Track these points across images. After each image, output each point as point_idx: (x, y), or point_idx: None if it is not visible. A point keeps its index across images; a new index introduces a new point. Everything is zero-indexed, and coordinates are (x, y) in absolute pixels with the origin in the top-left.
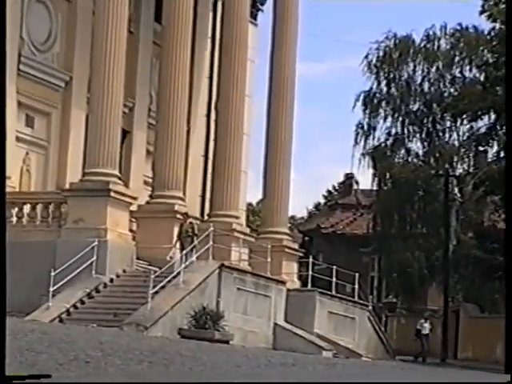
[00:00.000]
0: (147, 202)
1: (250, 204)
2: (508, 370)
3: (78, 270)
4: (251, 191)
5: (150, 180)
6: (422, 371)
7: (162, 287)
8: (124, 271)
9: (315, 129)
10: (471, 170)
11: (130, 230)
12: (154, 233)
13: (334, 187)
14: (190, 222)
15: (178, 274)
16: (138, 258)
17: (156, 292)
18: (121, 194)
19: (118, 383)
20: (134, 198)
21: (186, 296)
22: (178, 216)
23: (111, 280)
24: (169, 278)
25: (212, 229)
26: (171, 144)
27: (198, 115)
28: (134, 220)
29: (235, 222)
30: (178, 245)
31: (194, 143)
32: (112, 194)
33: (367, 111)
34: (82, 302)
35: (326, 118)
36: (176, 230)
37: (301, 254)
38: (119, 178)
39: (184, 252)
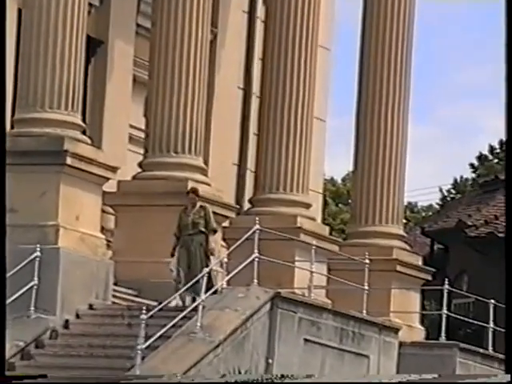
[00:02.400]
0: (134, 177)
1: (329, 181)
2: (508, 370)
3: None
4: (332, 160)
5: (141, 135)
6: None
7: (163, 338)
8: (91, 307)
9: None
10: None
11: (103, 230)
12: (146, 234)
13: (491, 150)
14: (201, 206)
15: (193, 312)
16: (116, 283)
17: (150, 346)
18: (86, 160)
19: (114, 382)
20: (112, 170)
21: (208, 354)
22: (192, 200)
23: (65, 324)
24: (175, 321)
25: (258, 227)
26: (180, 63)
27: (231, 8)
28: (109, 210)
29: (302, 215)
30: (176, 254)
31: (224, 63)
32: (69, 160)
33: None
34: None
35: None
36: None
37: (427, 277)
38: (83, 132)
39: (204, 269)
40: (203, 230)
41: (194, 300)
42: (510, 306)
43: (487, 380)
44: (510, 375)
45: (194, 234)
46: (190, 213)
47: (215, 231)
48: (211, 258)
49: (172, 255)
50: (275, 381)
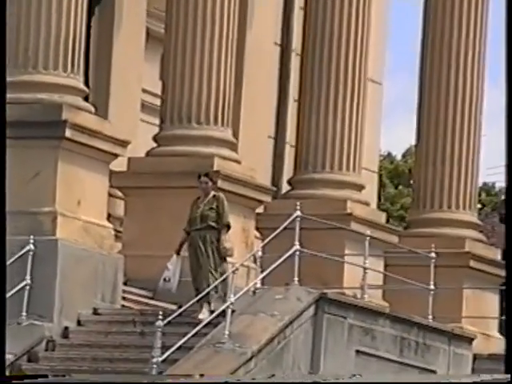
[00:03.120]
0: (148, 153)
1: (387, 158)
2: (508, 369)
3: None
4: (390, 132)
5: (156, 103)
6: None
7: (183, 349)
8: (96, 311)
9: None
10: None
11: (110, 217)
12: (163, 223)
13: None
14: (214, 195)
15: (220, 318)
16: (126, 283)
17: (167, 360)
18: (89, 132)
19: (118, 383)
20: (121, 144)
21: (238, 369)
22: (205, 187)
23: (65, 333)
24: (198, 329)
25: (298, 213)
26: (204, 14)
27: None
28: (118, 194)
29: (353, 199)
30: (184, 249)
31: (257, 13)
32: (68, 132)
33: None
34: None
35: None
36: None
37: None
38: (85, 98)
39: (230, 267)
40: (213, 224)
41: (212, 312)
42: (510, 305)
43: (487, 380)
44: (510, 375)
45: (203, 229)
46: (200, 203)
47: (229, 227)
48: (227, 260)
49: (177, 253)
50: None
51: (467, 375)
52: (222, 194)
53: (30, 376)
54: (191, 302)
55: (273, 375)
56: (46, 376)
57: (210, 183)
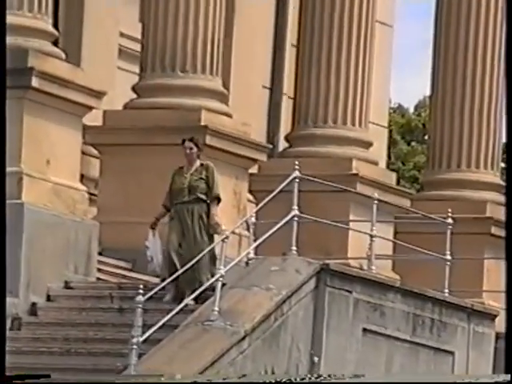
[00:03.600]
0: (127, 106)
1: (397, 111)
2: (508, 369)
3: None
4: (401, 82)
5: (135, 48)
6: None
7: (167, 327)
8: (67, 285)
9: None
10: None
11: (83, 179)
12: (144, 185)
13: None
14: (202, 164)
15: (206, 292)
16: (101, 253)
17: (149, 339)
18: (59, 82)
19: (118, 383)
20: (96, 95)
21: (230, 349)
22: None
23: (32, 310)
24: (184, 304)
25: (297, 174)
26: None
27: None
28: (92, 152)
29: (359, 158)
30: (166, 229)
31: None
32: (35, 81)
33: None
34: None
35: None
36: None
37: None
38: (54, 43)
39: (220, 237)
40: (203, 197)
41: (200, 293)
42: (510, 305)
43: (487, 380)
44: (510, 375)
45: (191, 202)
46: (186, 173)
47: (219, 199)
48: (215, 237)
49: (153, 228)
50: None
51: (467, 375)
52: (211, 163)
53: (32, 376)
54: (176, 275)
55: (244, 375)
56: (48, 376)
57: (195, 149)
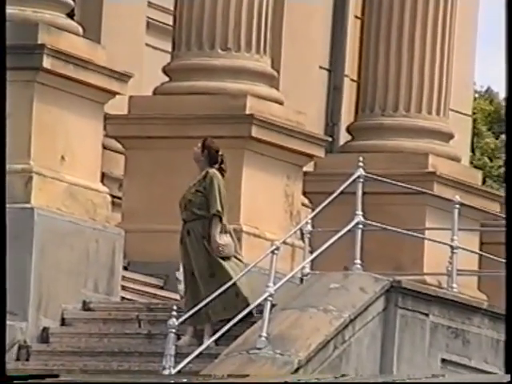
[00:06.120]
0: (156, 91)
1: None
2: (508, 369)
3: None
4: (488, 63)
5: (167, 21)
6: None
7: (206, 356)
8: (86, 306)
9: None
10: None
11: (104, 178)
12: (177, 186)
13: None
14: (207, 172)
15: (256, 314)
16: (127, 267)
17: (182, 371)
18: (75, 62)
19: (122, 383)
20: (120, 78)
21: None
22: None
23: (44, 336)
24: (226, 329)
25: (361, 172)
26: None
27: None
28: (116, 146)
29: (437, 153)
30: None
31: None
32: (47, 61)
33: None
34: None
35: None
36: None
37: None
38: (69, 15)
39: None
40: (202, 213)
41: (214, 332)
42: (510, 305)
43: (487, 380)
44: (510, 375)
45: (189, 221)
46: (191, 184)
47: (220, 217)
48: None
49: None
50: None
51: (466, 375)
52: (211, 171)
53: (35, 376)
54: (216, 294)
55: None
56: (56, 376)
57: (201, 154)
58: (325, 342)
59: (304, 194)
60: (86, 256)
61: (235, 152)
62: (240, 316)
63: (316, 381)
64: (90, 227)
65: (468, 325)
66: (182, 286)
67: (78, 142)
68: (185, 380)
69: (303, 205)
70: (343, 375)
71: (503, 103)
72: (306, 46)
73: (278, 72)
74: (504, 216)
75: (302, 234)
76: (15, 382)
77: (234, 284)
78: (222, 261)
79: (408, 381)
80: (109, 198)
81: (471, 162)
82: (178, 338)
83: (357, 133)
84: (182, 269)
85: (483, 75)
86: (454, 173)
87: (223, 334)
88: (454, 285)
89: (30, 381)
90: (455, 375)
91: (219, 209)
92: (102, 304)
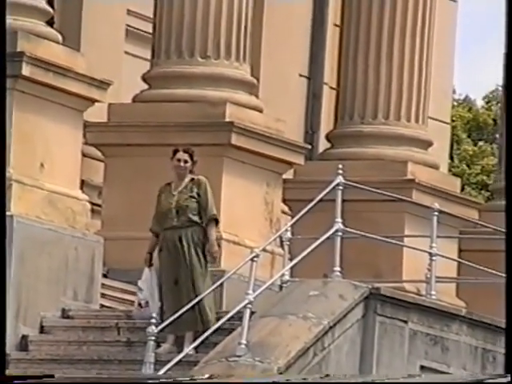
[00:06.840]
0: (135, 98)
1: (463, 104)
2: (508, 369)
3: None
4: (467, 70)
5: (146, 29)
6: None
7: (185, 364)
8: (65, 314)
9: None
10: None
11: (83, 186)
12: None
13: None
14: (193, 179)
15: (235, 321)
16: (107, 274)
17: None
18: (55, 69)
19: (122, 383)
20: (99, 86)
21: None
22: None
23: (22, 344)
24: (205, 336)
25: (341, 179)
26: None
27: None
28: (95, 154)
29: (416, 160)
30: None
31: None
32: (26, 69)
33: None
34: None
35: None
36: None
37: None
38: (49, 22)
39: (252, 254)
40: (195, 218)
41: (193, 339)
42: (510, 305)
43: (487, 380)
44: (510, 375)
45: (182, 227)
46: (174, 191)
47: (217, 220)
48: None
49: (149, 265)
50: None
51: (466, 375)
52: (203, 178)
53: (33, 376)
54: (194, 302)
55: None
56: (52, 376)
57: (190, 163)
58: (304, 349)
59: (284, 201)
60: (65, 264)
61: (215, 159)
62: (211, 330)
63: (303, 381)
64: (70, 235)
65: (447, 332)
66: (142, 296)
67: (57, 149)
68: (177, 379)
69: (283, 212)
70: (327, 375)
71: (481, 111)
72: (285, 54)
73: (258, 80)
74: (504, 223)
75: (282, 241)
76: (15, 382)
77: (203, 301)
78: (207, 277)
79: (387, 381)
80: (88, 206)
81: (450, 170)
82: (158, 345)
83: (336, 140)
84: (144, 277)
85: (462, 83)
86: (432, 180)
87: (202, 342)
88: (433, 292)
89: (29, 381)
90: (433, 375)
91: (215, 213)
92: (81, 312)
